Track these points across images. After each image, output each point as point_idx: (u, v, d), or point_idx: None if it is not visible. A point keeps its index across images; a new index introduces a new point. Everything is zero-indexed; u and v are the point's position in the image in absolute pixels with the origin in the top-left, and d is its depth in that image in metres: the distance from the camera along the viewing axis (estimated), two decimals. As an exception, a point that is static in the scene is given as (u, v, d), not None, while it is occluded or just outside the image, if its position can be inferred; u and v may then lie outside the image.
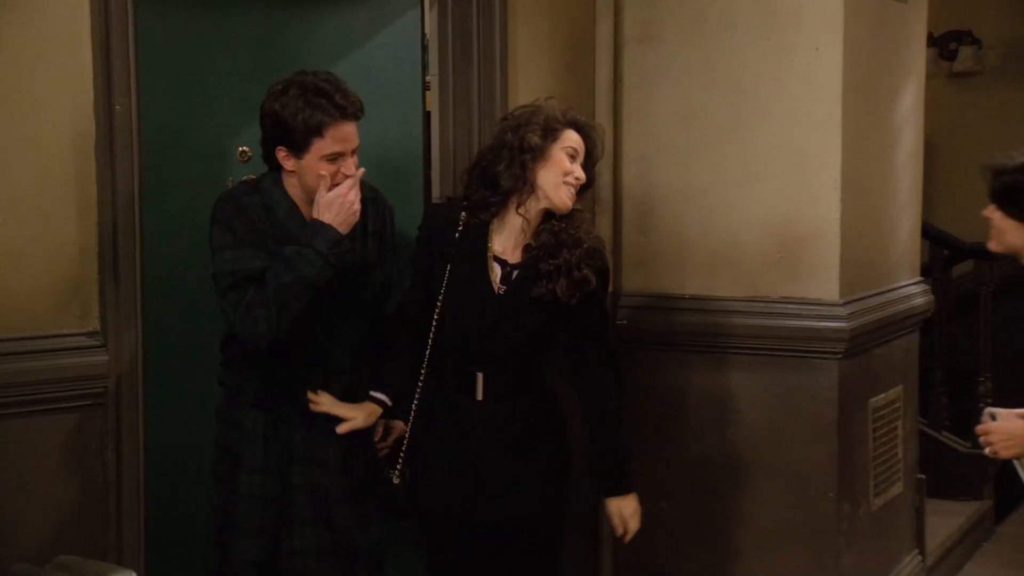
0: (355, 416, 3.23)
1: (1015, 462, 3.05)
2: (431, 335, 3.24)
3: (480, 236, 3.23)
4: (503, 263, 3.24)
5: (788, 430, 3.99)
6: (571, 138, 3.21)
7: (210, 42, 3.72)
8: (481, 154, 3.30)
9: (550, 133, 3.19)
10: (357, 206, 3.09)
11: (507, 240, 3.25)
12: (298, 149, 3.08)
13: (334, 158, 3.08)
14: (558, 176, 3.18)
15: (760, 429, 4.02)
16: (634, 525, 3.38)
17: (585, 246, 3.23)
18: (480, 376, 3.24)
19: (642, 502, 4.16)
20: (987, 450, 3.07)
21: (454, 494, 3.27)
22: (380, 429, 3.40)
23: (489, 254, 3.23)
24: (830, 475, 3.96)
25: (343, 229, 3.07)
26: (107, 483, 2.99)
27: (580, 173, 3.20)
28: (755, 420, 4.03)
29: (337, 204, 3.07)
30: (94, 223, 2.98)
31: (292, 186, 3.17)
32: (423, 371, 3.28)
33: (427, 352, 3.26)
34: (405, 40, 3.82)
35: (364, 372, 3.32)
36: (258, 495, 3.19)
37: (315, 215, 3.07)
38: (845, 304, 3.93)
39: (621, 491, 3.38)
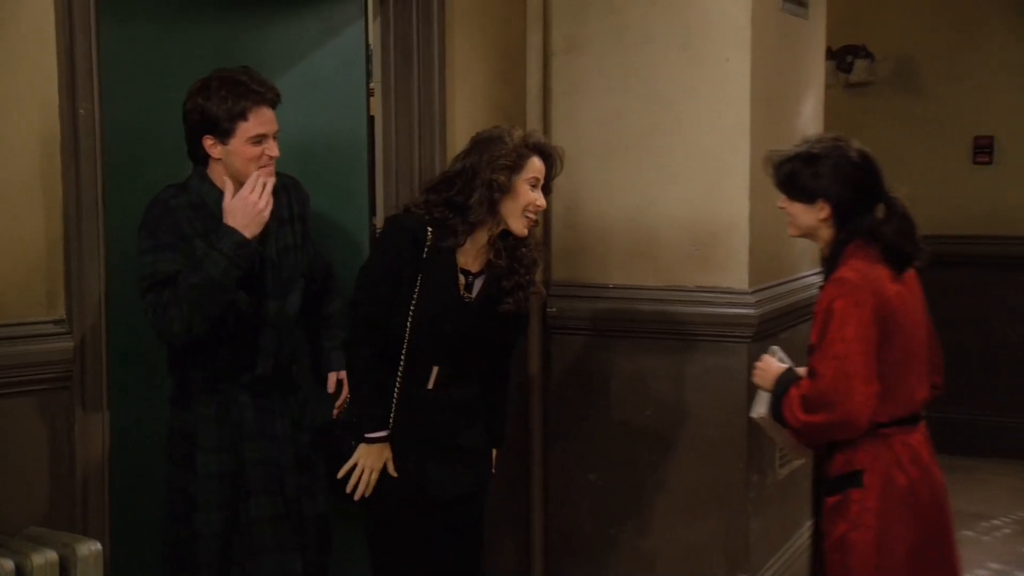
0: (363, 466, 3.26)
1: (759, 396, 3.16)
2: (402, 335, 3.24)
3: (448, 253, 3.24)
4: (466, 273, 3.27)
5: (702, 407, 4.03)
6: (534, 167, 3.23)
7: (168, 50, 3.69)
8: (449, 179, 3.25)
9: (516, 168, 3.20)
10: (262, 206, 3.06)
11: (470, 253, 3.27)
12: (224, 135, 3.09)
13: (259, 140, 3.11)
14: (520, 208, 3.21)
15: (677, 406, 4.06)
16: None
17: (536, 265, 3.33)
18: (435, 369, 3.26)
19: (570, 474, 4.22)
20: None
21: (408, 474, 3.27)
22: (332, 384, 3.41)
23: (456, 268, 3.26)
24: (740, 448, 4.01)
25: (249, 231, 3.04)
26: (73, 460, 2.96)
27: (541, 200, 3.25)
28: (673, 398, 4.06)
29: (241, 207, 3.04)
30: (60, 219, 2.94)
31: (219, 176, 3.15)
32: (399, 374, 3.28)
33: (401, 359, 3.25)
34: (351, 50, 3.80)
35: (301, 347, 3.35)
36: (215, 473, 3.17)
37: (224, 220, 3.04)
38: (753, 292, 3.97)
39: (499, 445, 3.49)
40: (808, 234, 3.13)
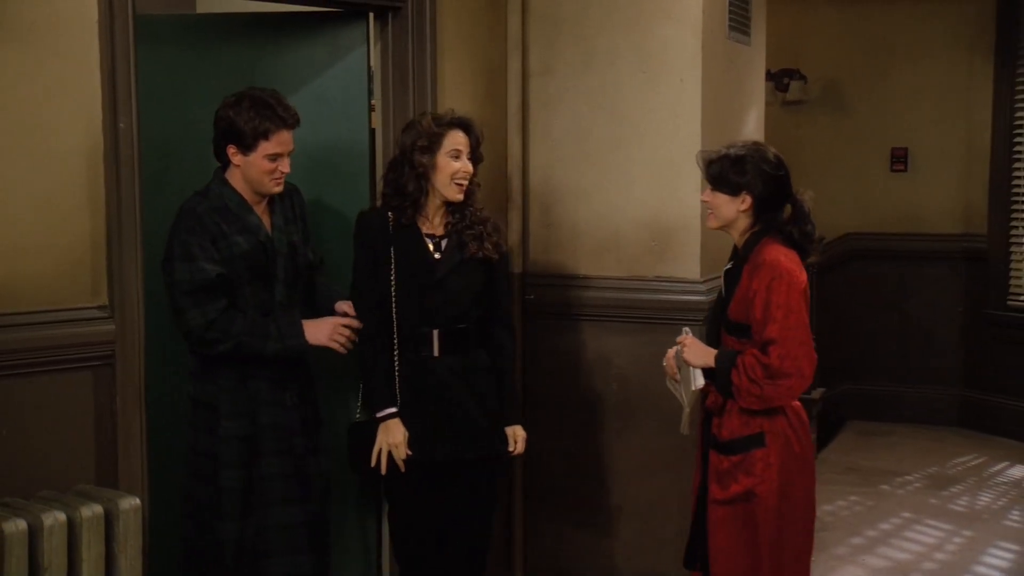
0: (382, 443, 3.27)
1: (693, 371, 3.17)
2: (392, 309, 3.25)
3: (410, 224, 3.27)
4: (432, 236, 3.30)
5: (658, 381, 3.95)
6: (454, 139, 3.26)
7: (195, 74, 3.68)
8: (391, 167, 3.32)
9: (433, 146, 3.23)
10: (324, 338, 3.22)
11: (429, 221, 3.31)
12: (247, 148, 3.15)
13: (275, 158, 3.16)
14: (447, 178, 3.26)
15: (637, 381, 4.07)
16: (522, 446, 3.43)
17: (490, 220, 3.36)
18: (435, 334, 3.25)
19: (545, 439, 4.23)
20: (682, 353, 3.18)
21: (420, 437, 3.26)
22: (344, 308, 3.40)
23: (421, 234, 3.28)
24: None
25: (312, 341, 3.19)
26: (115, 427, 2.97)
27: (467, 167, 3.27)
28: (634, 374, 4.07)
29: (326, 332, 3.23)
30: (103, 219, 2.95)
31: (237, 180, 3.21)
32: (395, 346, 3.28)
33: (394, 330, 3.26)
34: (354, 72, 3.80)
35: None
36: (235, 435, 3.20)
37: (313, 321, 3.22)
38: (704, 282, 3.99)
39: (518, 421, 3.45)
40: (727, 224, 3.18)
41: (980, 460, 6.33)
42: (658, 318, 3.99)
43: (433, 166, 3.23)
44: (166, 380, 3.47)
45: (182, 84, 3.65)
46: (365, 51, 3.80)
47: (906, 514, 5.36)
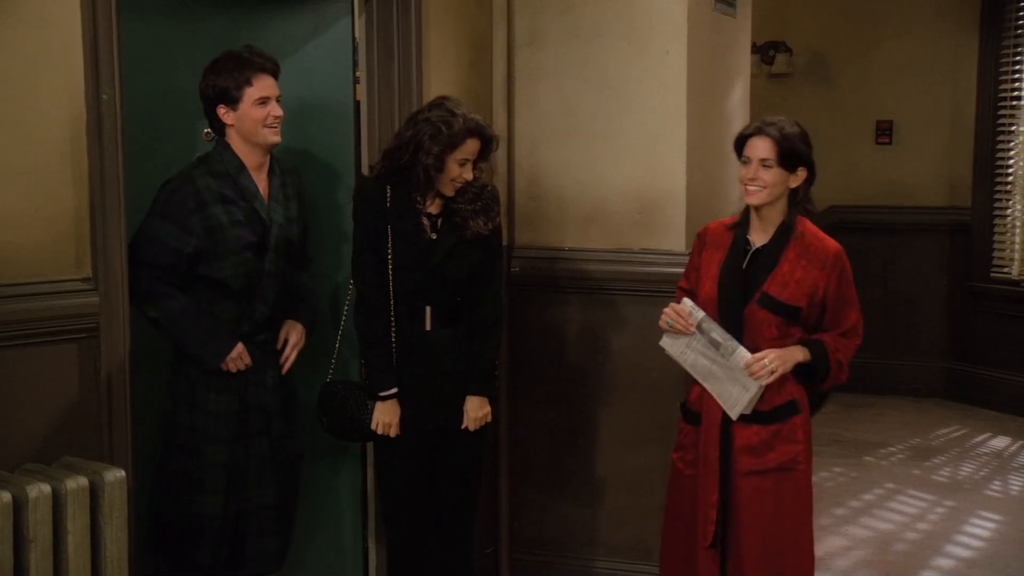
0: (380, 421, 3.29)
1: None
2: (389, 285, 3.24)
3: (407, 201, 3.25)
4: (428, 215, 3.27)
5: (644, 353, 4.02)
6: (467, 149, 3.23)
7: (180, 44, 3.65)
8: (402, 146, 3.26)
9: (449, 149, 3.20)
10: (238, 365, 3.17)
11: (427, 200, 3.29)
12: (234, 102, 3.16)
13: (263, 102, 3.17)
14: (448, 180, 3.25)
15: (623, 353, 4.08)
16: (472, 424, 3.38)
17: (488, 187, 3.33)
18: (428, 309, 3.25)
19: (531, 411, 4.24)
20: (769, 371, 3.06)
21: (410, 406, 3.29)
22: (282, 336, 3.34)
23: (418, 212, 3.26)
24: (676, 388, 4.01)
25: (216, 362, 3.15)
26: (100, 399, 2.96)
27: (468, 175, 3.26)
28: (619, 346, 4.09)
29: (236, 362, 3.16)
30: (86, 191, 2.93)
31: (237, 144, 3.20)
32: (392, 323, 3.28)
33: (391, 305, 3.26)
34: (339, 43, 3.78)
35: (288, 301, 3.35)
36: (223, 412, 3.19)
37: (230, 352, 3.14)
38: (690, 254, 3.98)
39: (482, 393, 3.41)
40: (772, 201, 3.14)
41: (963, 431, 6.38)
42: (644, 290, 4.00)
43: (441, 168, 3.22)
44: (151, 352, 3.44)
45: (167, 55, 3.62)
46: (350, 22, 3.77)
47: (889, 485, 5.41)
